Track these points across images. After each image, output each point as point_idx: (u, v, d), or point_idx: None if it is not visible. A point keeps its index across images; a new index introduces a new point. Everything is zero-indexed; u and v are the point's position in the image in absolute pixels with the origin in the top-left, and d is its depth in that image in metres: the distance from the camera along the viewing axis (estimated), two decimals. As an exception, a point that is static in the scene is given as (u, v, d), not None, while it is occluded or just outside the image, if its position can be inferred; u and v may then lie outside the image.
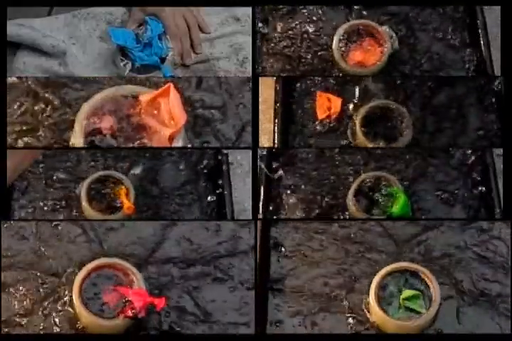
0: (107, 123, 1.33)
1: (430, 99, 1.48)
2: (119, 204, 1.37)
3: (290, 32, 1.52)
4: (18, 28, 1.45)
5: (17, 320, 1.25)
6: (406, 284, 1.25)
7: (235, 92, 1.45)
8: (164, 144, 1.32)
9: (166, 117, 1.32)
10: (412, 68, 1.49)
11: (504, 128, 1.43)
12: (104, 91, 1.35)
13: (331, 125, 1.45)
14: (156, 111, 1.34)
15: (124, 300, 1.21)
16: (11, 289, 1.27)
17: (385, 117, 1.43)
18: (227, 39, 1.50)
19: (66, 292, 1.26)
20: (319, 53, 1.49)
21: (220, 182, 1.43)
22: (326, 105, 1.44)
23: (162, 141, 1.32)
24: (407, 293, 1.24)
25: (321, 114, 1.44)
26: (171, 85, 1.32)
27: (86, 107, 1.33)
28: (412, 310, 1.23)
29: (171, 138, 1.32)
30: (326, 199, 1.42)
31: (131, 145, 1.33)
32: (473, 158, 1.45)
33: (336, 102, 1.43)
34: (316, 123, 1.46)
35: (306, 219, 1.39)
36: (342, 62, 1.45)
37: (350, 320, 1.27)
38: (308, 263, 1.32)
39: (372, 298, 1.24)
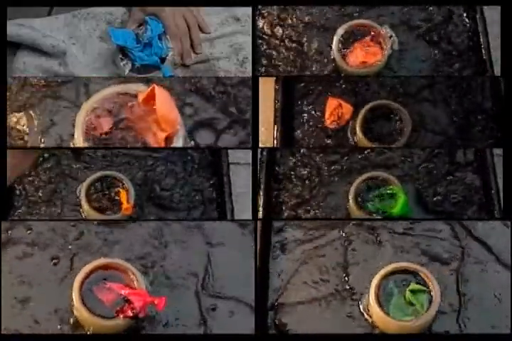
0: (106, 123, 1.33)
1: (430, 99, 1.48)
2: (118, 205, 1.37)
3: (290, 32, 1.52)
4: (18, 28, 1.45)
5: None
6: (406, 284, 1.25)
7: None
8: (161, 145, 1.31)
9: (159, 120, 1.31)
10: (411, 68, 1.49)
11: (504, 128, 1.43)
12: (103, 91, 1.34)
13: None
14: (151, 112, 1.33)
15: (122, 299, 1.21)
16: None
17: (385, 117, 1.43)
18: (227, 39, 1.50)
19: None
20: (319, 53, 1.49)
21: (220, 182, 1.44)
22: (337, 111, 1.43)
23: (159, 142, 1.31)
24: (415, 286, 1.24)
25: (329, 119, 1.44)
26: (155, 87, 1.30)
27: (86, 107, 1.33)
28: (411, 304, 1.23)
29: (168, 140, 1.31)
30: (326, 198, 1.42)
31: (130, 145, 1.33)
32: (473, 158, 1.45)
33: (348, 110, 1.43)
34: (320, 125, 1.46)
35: (306, 219, 1.39)
36: (342, 63, 1.45)
37: (350, 320, 1.27)
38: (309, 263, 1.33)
39: (372, 298, 1.24)
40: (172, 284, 1.28)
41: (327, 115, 1.44)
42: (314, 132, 1.47)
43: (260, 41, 1.51)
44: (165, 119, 1.29)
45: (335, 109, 1.43)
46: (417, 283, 1.24)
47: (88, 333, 1.23)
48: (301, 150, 1.46)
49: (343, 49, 1.45)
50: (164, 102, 1.30)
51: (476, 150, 1.45)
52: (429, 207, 1.41)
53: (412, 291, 1.23)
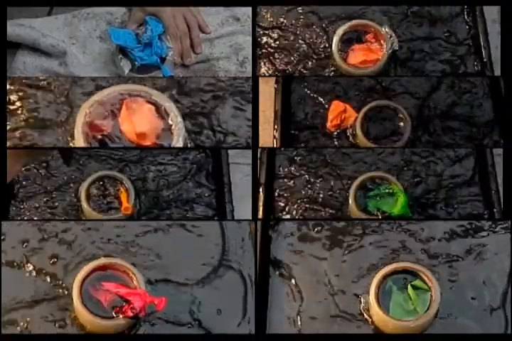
0: (106, 122, 1.33)
1: (429, 99, 1.48)
2: (118, 205, 1.37)
3: (290, 32, 1.52)
4: (18, 28, 1.45)
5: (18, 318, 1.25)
6: (406, 284, 1.25)
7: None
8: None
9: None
10: (411, 68, 1.49)
11: (504, 128, 1.43)
12: (103, 91, 1.35)
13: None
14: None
15: (121, 299, 1.21)
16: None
17: (385, 117, 1.43)
18: (227, 39, 1.50)
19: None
20: (319, 54, 1.49)
21: (220, 182, 1.44)
22: (341, 115, 1.43)
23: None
24: (417, 282, 1.24)
25: (332, 122, 1.44)
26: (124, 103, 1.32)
27: (86, 107, 1.33)
28: (411, 300, 1.23)
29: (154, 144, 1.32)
30: (326, 199, 1.42)
31: (130, 145, 1.33)
32: (472, 157, 1.45)
33: (352, 114, 1.43)
34: (322, 127, 1.46)
35: (306, 219, 1.39)
36: (342, 63, 1.45)
37: (351, 320, 1.27)
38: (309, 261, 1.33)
39: (372, 298, 1.24)
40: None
41: (330, 118, 1.44)
42: (314, 132, 1.47)
43: (260, 41, 1.51)
44: (128, 135, 1.31)
45: (339, 113, 1.43)
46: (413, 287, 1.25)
47: (88, 333, 1.23)
48: (301, 150, 1.47)
49: (343, 49, 1.45)
50: (126, 118, 1.31)
51: (476, 150, 1.45)
52: (428, 207, 1.42)
53: (414, 287, 1.23)
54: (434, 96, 1.48)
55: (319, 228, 1.34)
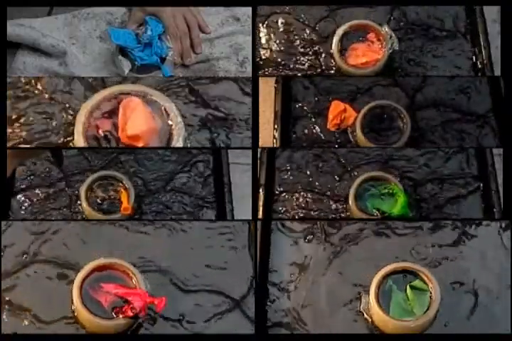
0: (106, 122, 1.33)
1: (429, 99, 1.48)
2: (118, 205, 1.38)
3: (289, 32, 1.52)
4: (18, 28, 1.45)
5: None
6: (406, 282, 1.25)
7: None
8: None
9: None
10: (411, 68, 1.49)
11: (504, 128, 1.43)
12: (103, 91, 1.35)
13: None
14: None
15: (121, 300, 1.21)
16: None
17: (385, 117, 1.43)
18: (227, 39, 1.50)
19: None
20: (319, 53, 1.49)
21: (220, 182, 1.44)
22: (341, 115, 1.43)
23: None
24: (416, 282, 1.24)
25: (332, 122, 1.44)
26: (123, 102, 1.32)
27: (86, 107, 1.33)
28: (410, 301, 1.23)
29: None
30: (326, 199, 1.42)
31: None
32: (472, 157, 1.45)
33: (352, 114, 1.43)
34: (322, 126, 1.46)
35: (307, 219, 1.39)
36: (342, 63, 1.45)
37: (350, 321, 1.27)
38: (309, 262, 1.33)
39: (372, 298, 1.24)
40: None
41: (330, 118, 1.44)
42: (314, 132, 1.47)
43: (260, 41, 1.52)
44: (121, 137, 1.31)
45: (339, 113, 1.43)
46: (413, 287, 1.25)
47: (88, 333, 1.23)
48: (300, 150, 1.47)
49: (343, 49, 1.45)
50: (120, 119, 1.31)
51: (476, 150, 1.45)
52: (428, 207, 1.42)
53: (413, 287, 1.23)
54: (434, 95, 1.48)
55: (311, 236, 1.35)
